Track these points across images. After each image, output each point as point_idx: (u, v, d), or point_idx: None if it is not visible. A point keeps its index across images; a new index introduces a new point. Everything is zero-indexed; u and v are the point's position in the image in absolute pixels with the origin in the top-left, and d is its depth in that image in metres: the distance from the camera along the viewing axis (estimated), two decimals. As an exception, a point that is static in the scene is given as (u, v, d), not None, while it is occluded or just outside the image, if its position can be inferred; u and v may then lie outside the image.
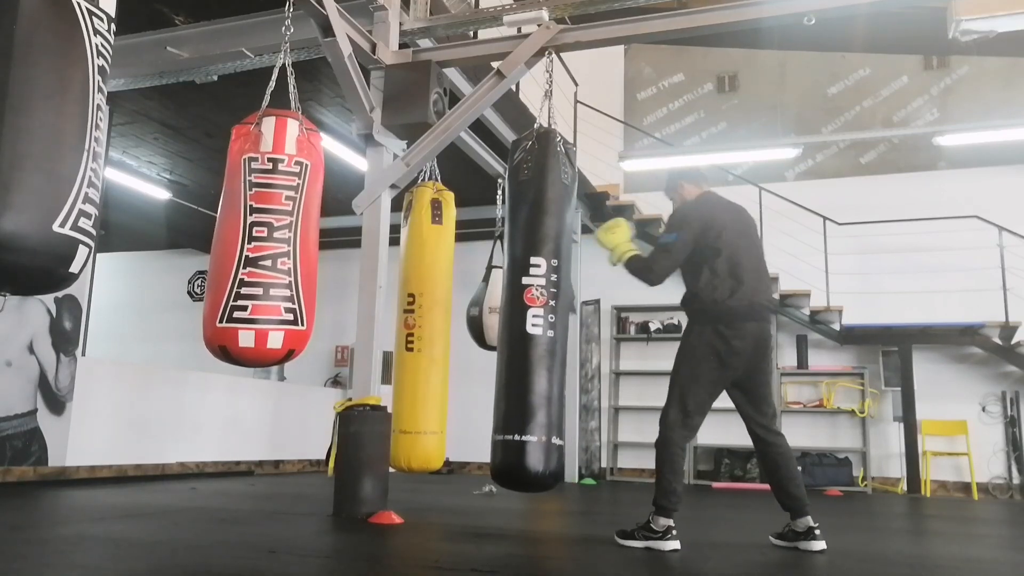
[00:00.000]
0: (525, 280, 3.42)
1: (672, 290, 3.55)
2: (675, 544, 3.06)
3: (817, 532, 3.15)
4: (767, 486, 3.34)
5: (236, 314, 3.08)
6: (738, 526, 4.34)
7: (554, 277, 3.43)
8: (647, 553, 3.01)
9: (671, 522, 3.10)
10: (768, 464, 3.28)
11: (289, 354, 3.20)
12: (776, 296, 7.95)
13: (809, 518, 3.18)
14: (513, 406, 3.31)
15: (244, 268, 3.12)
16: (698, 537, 3.60)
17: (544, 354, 3.33)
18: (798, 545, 3.17)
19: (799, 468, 3.29)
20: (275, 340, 3.12)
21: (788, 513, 3.24)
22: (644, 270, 3.34)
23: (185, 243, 10.45)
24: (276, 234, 3.17)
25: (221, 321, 3.09)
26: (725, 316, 3.22)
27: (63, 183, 2.27)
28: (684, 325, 3.42)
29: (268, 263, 3.14)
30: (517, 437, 3.24)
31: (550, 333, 3.36)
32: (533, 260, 3.44)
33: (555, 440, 3.28)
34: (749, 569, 2.82)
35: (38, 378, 5.32)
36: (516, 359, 3.37)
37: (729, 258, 3.28)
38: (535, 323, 3.36)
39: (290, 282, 3.17)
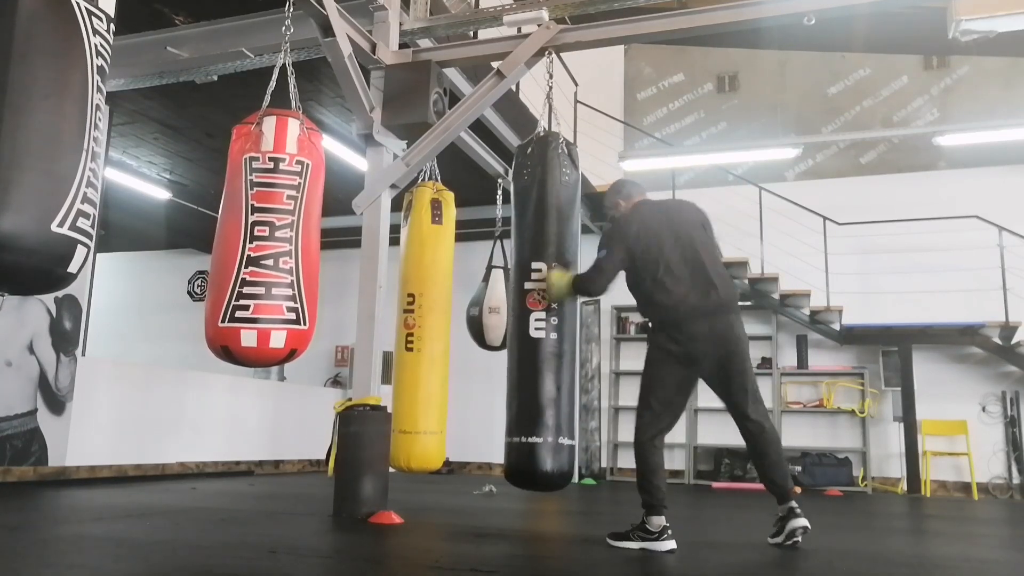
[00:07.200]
0: (527, 285, 3.52)
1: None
2: (671, 544, 3.07)
3: (798, 511, 3.19)
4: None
5: (238, 314, 3.08)
6: (738, 526, 4.34)
7: None
8: (645, 554, 3.00)
9: (664, 520, 3.11)
10: (750, 450, 3.36)
11: (291, 354, 3.20)
12: (776, 296, 7.95)
13: (792, 501, 3.22)
14: (522, 409, 3.40)
15: (246, 267, 3.12)
16: (697, 537, 3.61)
17: (548, 356, 3.43)
18: (785, 528, 3.20)
19: (783, 456, 3.32)
20: (277, 340, 3.12)
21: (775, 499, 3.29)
22: (584, 282, 3.45)
23: (185, 243, 10.46)
24: (278, 233, 3.17)
25: (223, 321, 3.09)
26: (671, 321, 3.26)
27: (62, 183, 2.27)
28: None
29: (270, 262, 3.14)
30: (526, 439, 3.34)
31: (553, 336, 3.44)
32: (534, 265, 3.53)
33: (563, 440, 3.38)
34: (748, 569, 2.82)
35: (38, 378, 5.32)
36: (522, 362, 3.47)
37: (666, 264, 3.27)
38: (538, 327, 3.46)
39: (292, 281, 3.16)
